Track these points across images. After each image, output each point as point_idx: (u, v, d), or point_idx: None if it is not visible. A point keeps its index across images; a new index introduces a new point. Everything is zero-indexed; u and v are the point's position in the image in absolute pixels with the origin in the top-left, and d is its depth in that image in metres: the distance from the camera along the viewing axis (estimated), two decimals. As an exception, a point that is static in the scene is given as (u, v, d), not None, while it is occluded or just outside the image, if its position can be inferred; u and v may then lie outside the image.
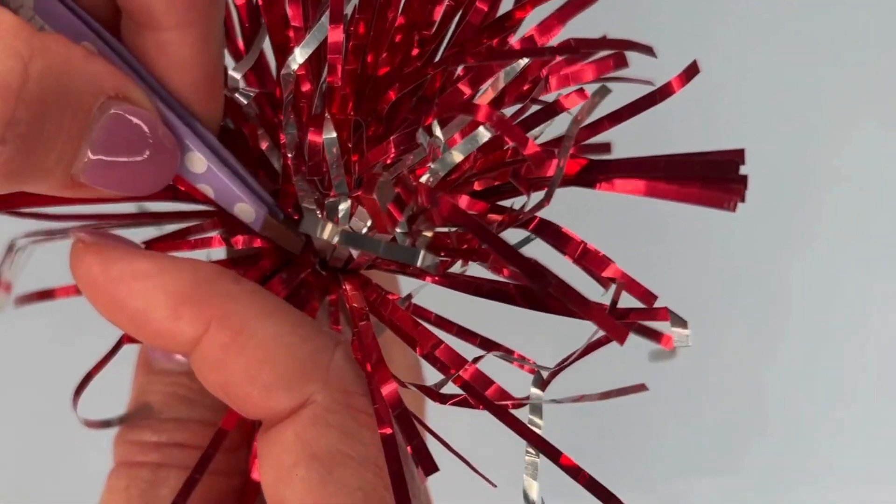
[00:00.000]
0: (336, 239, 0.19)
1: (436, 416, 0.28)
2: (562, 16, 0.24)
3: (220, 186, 0.22)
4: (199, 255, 0.27)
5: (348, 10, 0.22)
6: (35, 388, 0.52)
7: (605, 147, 0.25)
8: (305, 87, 0.23)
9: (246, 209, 0.22)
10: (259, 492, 0.26)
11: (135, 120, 0.19)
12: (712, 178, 0.18)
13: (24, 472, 0.53)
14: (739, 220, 0.55)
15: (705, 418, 0.57)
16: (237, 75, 0.21)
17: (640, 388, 0.21)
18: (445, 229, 0.20)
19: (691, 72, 0.22)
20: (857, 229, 0.56)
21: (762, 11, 0.54)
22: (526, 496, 0.21)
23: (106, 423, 0.25)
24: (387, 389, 0.20)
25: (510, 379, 0.23)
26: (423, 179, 0.19)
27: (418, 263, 0.18)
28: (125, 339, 0.24)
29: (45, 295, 0.26)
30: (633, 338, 0.24)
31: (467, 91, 0.22)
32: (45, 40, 0.18)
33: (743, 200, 0.18)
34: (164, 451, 0.24)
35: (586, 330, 0.23)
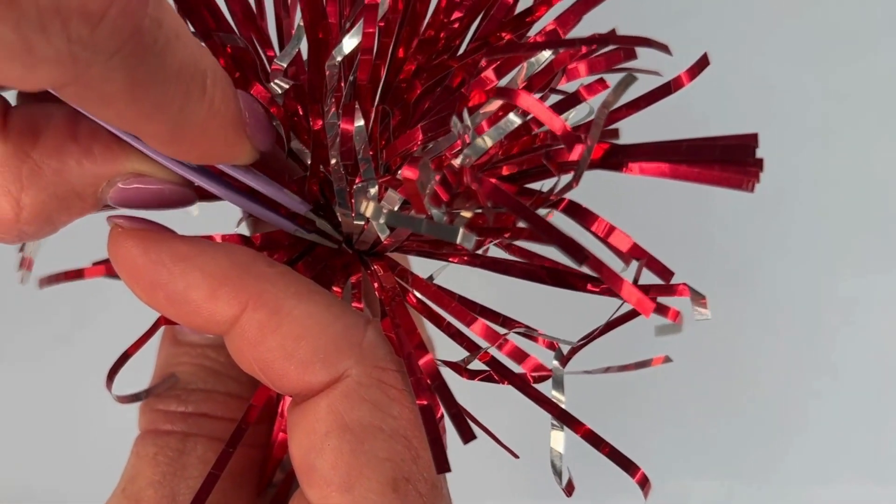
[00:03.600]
0: (381, 218, 0.20)
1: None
2: (577, 10, 0.25)
3: (264, 179, 0.23)
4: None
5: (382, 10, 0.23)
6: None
7: (614, 133, 0.27)
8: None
9: (291, 196, 0.23)
10: (278, 463, 0.27)
11: (138, 186, 0.22)
12: (730, 160, 0.20)
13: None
14: (740, 221, 0.56)
15: (705, 418, 0.57)
16: (282, 64, 0.22)
17: (665, 359, 0.23)
18: (479, 210, 0.21)
19: (702, 64, 0.23)
20: (853, 229, 0.56)
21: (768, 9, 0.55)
22: (553, 466, 0.23)
23: (135, 397, 0.26)
24: (423, 361, 0.21)
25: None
26: (456, 163, 0.21)
27: (458, 241, 0.19)
28: (162, 321, 0.25)
29: (74, 275, 0.27)
30: (642, 334, 0.25)
31: (492, 80, 0.23)
32: (36, 164, 0.20)
33: (759, 181, 0.19)
34: (191, 421, 0.25)
35: (598, 314, 0.25)
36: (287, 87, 0.23)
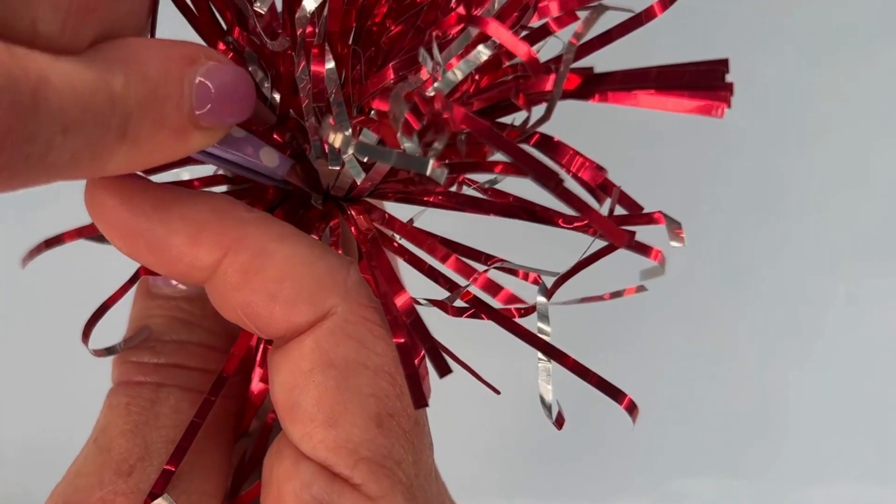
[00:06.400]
0: (351, 149, 0.20)
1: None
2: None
3: (241, 138, 0.23)
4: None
5: None
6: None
7: (587, 71, 0.26)
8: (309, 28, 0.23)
9: (270, 153, 0.23)
10: (255, 412, 0.27)
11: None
12: (700, 87, 0.20)
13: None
14: (739, 219, 0.56)
15: (705, 418, 0.57)
16: (262, 11, 0.22)
17: (641, 289, 0.23)
18: (452, 144, 0.21)
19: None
20: (853, 229, 0.57)
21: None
22: (543, 401, 0.23)
23: (110, 350, 0.25)
24: (401, 300, 0.21)
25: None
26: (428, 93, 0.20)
27: (428, 172, 0.19)
28: (142, 272, 0.25)
29: (53, 242, 0.26)
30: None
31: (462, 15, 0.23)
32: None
33: (729, 106, 0.19)
34: (164, 372, 0.25)
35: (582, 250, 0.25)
36: (280, 49, 0.22)
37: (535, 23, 0.25)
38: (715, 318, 0.56)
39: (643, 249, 0.25)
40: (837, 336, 0.57)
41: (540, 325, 0.25)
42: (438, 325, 0.25)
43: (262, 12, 0.23)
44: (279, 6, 0.25)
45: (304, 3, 0.22)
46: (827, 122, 0.55)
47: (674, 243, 0.22)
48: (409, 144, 0.20)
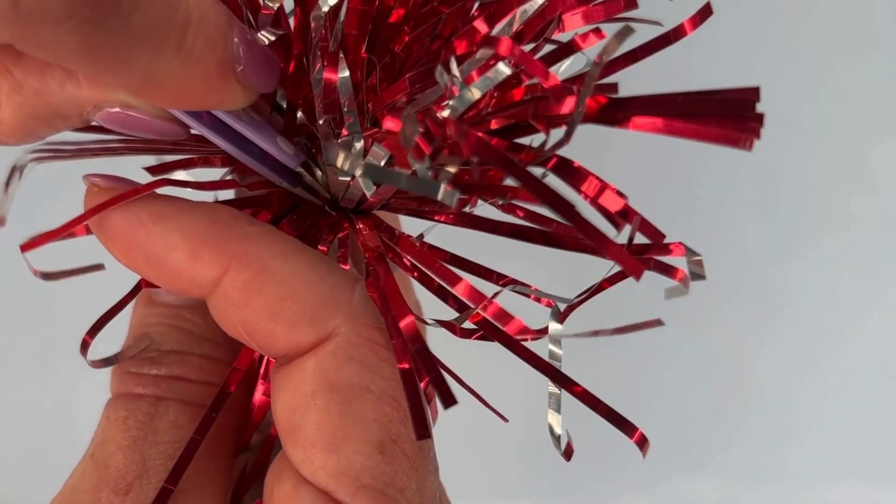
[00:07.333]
0: (358, 171, 0.19)
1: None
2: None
3: (258, 125, 0.23)
4: (206, 196, 0.27)
5: None
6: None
7: (613, 88, 0.25)
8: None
9: (285, 142, 0.22)
10: (256, 426, 0.26)
11: (125, 113, 0.21)
12: (729, 115, 0.18)
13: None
14: (735, 220, 0.56)
15: (705, 418, 0.57)
16: (272, 5, 0.21)
17: (657, 322, 0.22)
18: (465, 166, 0.20)
19: (704, 13, 0.22)
20: (854, 230, 0.56)
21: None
22: (551, 430, 0.22)
23: (108, 361, 0.25)
24: (405, 323, 0.20)
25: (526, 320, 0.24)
26: (443, 115, 0.20)
27: (439, 197, 0.18)
28: (143, 284, 0.24)
29: (51, 235, 0.26)
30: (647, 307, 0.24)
31: (483, 29, 0.22)
32: (17, 82, 0.20)
33: (759, 138, 0.18)
34: (164, 384, 0.24)
35: (597, 272, 0.24)
36: (274, 38, 0.22)
37: (559, 35, 0.24)
38: (715, 318, 0.56)
39: (666, 270, 0.24)
40: (837, 336, 0.57)
41: (552, 347, 0.24)
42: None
43: (273, 7, 0.22)
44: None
45: (320, 1, 0.21)
46: (827, 122, 0.55)
47: (693, 270, 0.21)
48: (419, 167, 0.19)
